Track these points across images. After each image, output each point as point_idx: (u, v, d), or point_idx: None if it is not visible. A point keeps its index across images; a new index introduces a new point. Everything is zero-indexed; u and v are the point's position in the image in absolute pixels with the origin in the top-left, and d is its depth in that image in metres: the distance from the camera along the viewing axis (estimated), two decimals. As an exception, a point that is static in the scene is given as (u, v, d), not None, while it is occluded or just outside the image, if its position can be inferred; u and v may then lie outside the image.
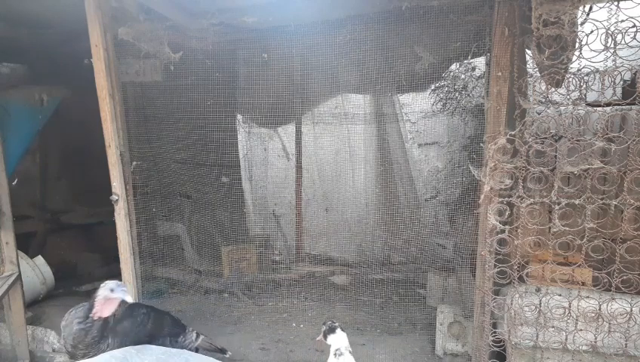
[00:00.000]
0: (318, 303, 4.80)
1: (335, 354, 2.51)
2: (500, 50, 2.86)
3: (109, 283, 2.68)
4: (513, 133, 2.70)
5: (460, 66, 4.48)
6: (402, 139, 5.10)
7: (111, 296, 2.66)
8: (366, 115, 4.94)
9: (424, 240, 4.75)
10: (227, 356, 3.37)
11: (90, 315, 2.62)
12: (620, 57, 2.48)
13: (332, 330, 2.59)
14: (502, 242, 2.83)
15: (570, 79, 2.60)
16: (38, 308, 4.66)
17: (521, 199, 2.71)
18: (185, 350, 2.66)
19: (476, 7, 3.27)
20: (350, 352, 2.53)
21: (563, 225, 2.62)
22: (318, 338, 2.68)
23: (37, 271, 4.79)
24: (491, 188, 2.82)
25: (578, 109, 2.61)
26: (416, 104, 4.89)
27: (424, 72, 4.06)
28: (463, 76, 4.55)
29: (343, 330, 2.60)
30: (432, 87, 4.64)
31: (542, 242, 2.79)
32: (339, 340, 2.55)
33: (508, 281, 2.82)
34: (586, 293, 2.74)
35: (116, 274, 3.75)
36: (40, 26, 4.09)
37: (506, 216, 2.76)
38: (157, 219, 4.95)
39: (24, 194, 5.55)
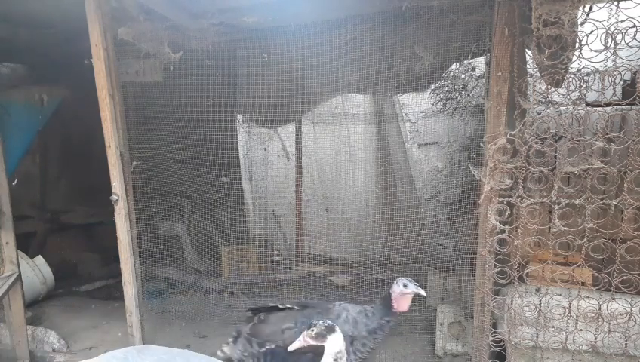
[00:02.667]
0: (318, 303, 4.79)
1: (336, 360, 2.20)
2: (500, 50, 2.86)
3: (402, 279, 2.71)
4: (513, 133, 2.70)
5: (459, 66, 4.48)
6: (402, 139, 5.10)
7: (405, 292, 2.69)
8: (366, 115, 4.93)
9: (424, 240, 4.75)
10: None
11: (394, 311, 2.67)
12: (620, 57, 2.48)
13: (331, 329, 2.24)
14: (502, 242, 2.83)
15: (570, 79, 2.60)
16: (38, 308, 4.66)
17: (521, 199, 2.71)
18: (186, 350, 2.65)
19: (476, 7, 3.27)
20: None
21: (563, 225, 2.62)
22: (303, 342, 2.27)
23: (37, 271, 4.79)
24: (491, 188, 2.82)
25: (578, 109, 2.61)
26: (416, 104, 4.88)
27: (424, 72, 4.05)
28: (463, 76, 4.55)
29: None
30: (432, 87, 4.63)
31: (542, 242, 2.79)
32: (339, 340, 2.22)
33: (508, 281, 2.82)
34: (586, 293, 2.74)
35: (116, 274, 3.76)
36: (40, 26, 4.09)
37: (506, 216, 2.76)
38: (157, 219, 4.95)
39: (24, 194, 5.55)
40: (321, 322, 2.26)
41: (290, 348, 2.32)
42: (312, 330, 2.23)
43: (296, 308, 2.83)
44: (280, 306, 2.85)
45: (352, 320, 2.68)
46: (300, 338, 2.28)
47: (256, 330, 2.81)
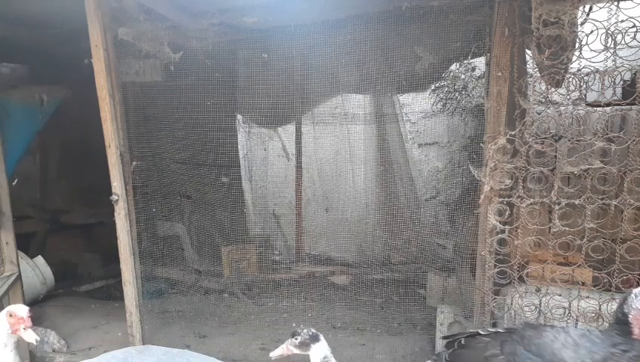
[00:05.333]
0: (318, 303, 4.79)
1: None
2: (500, 50, 2.86)
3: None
4: (513, 133, 2.70)
5: (459, 66, 4.48)
6: (402, 139, 5.10)
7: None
8: (366, 115, 4.94)
9: (424, 240, 4.76)
10: None
11: (633, 337, 2.00)
12: (620, 57, 2.48)
13: (315, 338, 2.23)
14: (502, 242, 2.83)
15: (570, 79, 2.61)
16: (38, 308, 4.65)
17: (521, 199, 2.71)
18: (186, 350, 2.63)
19: (476, 7, 3.27)
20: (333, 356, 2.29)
21: (563, 225, 2.62)
22: (286, 350, 2.28)
23: (37, 271, 4.78)
24: (491, 188, 2.82)
25: (578, 109, 2.61)
26: (416, 104, 4.89)
27: (424, 72, 4.05)
28: (463, 76, 4.55)
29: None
30: (432, 87, 4.64)
31: (542, 242, 2.79)
32: (324, 347, 2.24)
33: (508, 281, 2.82)
34: (586, 293, 2.74)
35: (116, 274, 3.76)
36: (40, 26, 4.09)
37: (506, 216, 2.76)
38: (157, 219, 4.94)
39: (24, 194, 5.55)
40: (305, 331, 2.24)
41: (272, 355, 2.31)
42: (296, 339, 2.23)
43: (501, 331, 2.45)
44: (482, 332, 2.46)
45: (573, 344, 2.12)
46: (283, 346, 2.27)
47: (456, 357, 2.49)
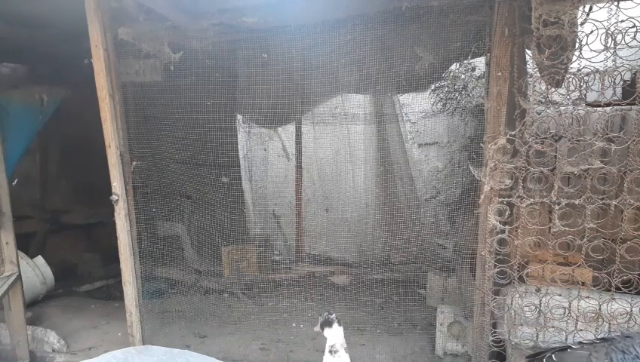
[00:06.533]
0: (318, 303, 4.80)
1: (330, 352, 2.36)
2: (500, 50, 2.86)
3: None
4: (513, 133, 2.70)
5: (459, 66, 4.48)
6: (402, 139, 5.11)
7: None
8: (366, 115, 4.94)
9: (424, 240, 4.76)
10: None
11: None
12: (620, 57, 2.48)
13: (329, 323, 2.38)
14: (502, 242, 2.83)
15: (570, 79, 2.61)
16: (38, 308, 4.66)
17: (521, 199, 2.71)
18: (186, 351, 2.64)
19: (476, 7, 3.27)
20: (345, 349, 2.38)
21: (563, 225, 2.62)
22: (316, 329, 2.51)
23: (37, 271, 4.79)
24: (491, 188, 2.82)
25: (578, 109, 2.61)
26: (416, 104, 4.89)
27: (424, 72, 4.05)
28: (463, 76, 4.56)
29: (340, 324, 2.41)
30: (432, 87, 4.64)
31: (542, 242, 2.79)
32: (335, 335, 2.37)
33: (508, 281, 2.82)
34: (586, 293, 2.74)
35: (116, 274, 3.76)
36: (40, 25, 4.09)
37: (506, 216, 2.76)
38: (157, 219, 4.95)
39: (24, 194, 5.56)
40: (325, 314, 2.41)
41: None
42: (319, 320, 2.43)
43: (597, 341, 2.29)
44: (573, 346, 2.31)
45: None
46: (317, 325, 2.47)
47: None
